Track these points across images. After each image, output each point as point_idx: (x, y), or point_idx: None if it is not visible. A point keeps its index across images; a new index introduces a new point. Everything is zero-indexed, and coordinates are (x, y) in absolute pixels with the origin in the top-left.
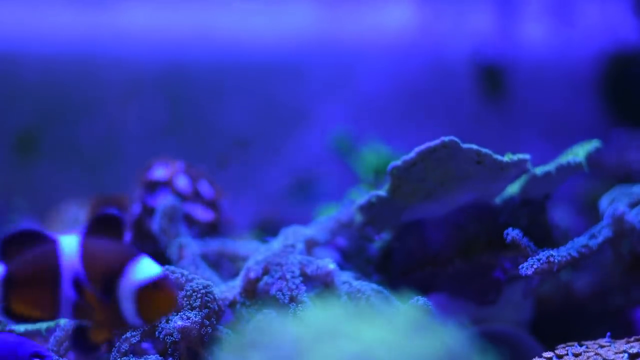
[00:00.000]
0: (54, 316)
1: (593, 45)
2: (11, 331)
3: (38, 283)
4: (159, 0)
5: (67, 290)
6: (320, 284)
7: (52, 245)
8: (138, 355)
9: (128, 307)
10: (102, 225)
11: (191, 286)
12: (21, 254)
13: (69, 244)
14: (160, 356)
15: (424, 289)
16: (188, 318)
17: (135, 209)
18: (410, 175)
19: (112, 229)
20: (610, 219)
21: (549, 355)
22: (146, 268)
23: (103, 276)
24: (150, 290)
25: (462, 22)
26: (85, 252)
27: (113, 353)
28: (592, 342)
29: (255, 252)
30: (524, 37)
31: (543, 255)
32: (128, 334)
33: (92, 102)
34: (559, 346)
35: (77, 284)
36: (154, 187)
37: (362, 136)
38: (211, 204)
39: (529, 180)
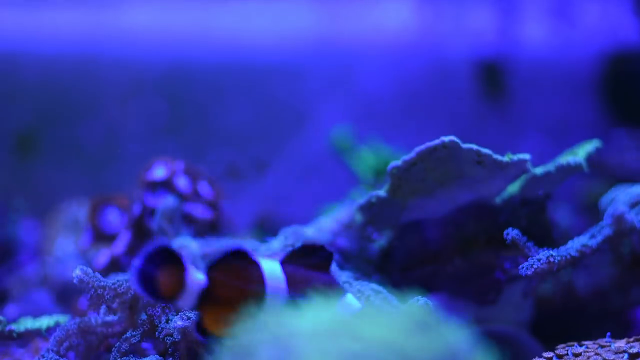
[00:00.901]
0: None
1: (593, 45)
2: (11, 331)
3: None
4: (159, 0)
5: None
6: None
7: (255, 266)
8: (138, 355)
9: None
10: (306, 254)
11: None
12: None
13: (271, 268)
14: (160, 356)
15: (424, 289)
16: (188, 318)
17: (135, 209)
18: (410, 176)
19: (317, 259)
20: (610, 219)
21: (549, 355)
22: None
23: None
24: None
25: (462, 22)
26: (290, 279)
27: (113, 353)
28: (592, 342)
29: (254, 252)
30: (524, 37)
31: (543, 255)
32: (128, 334)
33: (92, 102)
34: (559, 346)
35: None
36: (154, 187)
37: (362, 136)
38: (211, 204)
39: (529, 180)
